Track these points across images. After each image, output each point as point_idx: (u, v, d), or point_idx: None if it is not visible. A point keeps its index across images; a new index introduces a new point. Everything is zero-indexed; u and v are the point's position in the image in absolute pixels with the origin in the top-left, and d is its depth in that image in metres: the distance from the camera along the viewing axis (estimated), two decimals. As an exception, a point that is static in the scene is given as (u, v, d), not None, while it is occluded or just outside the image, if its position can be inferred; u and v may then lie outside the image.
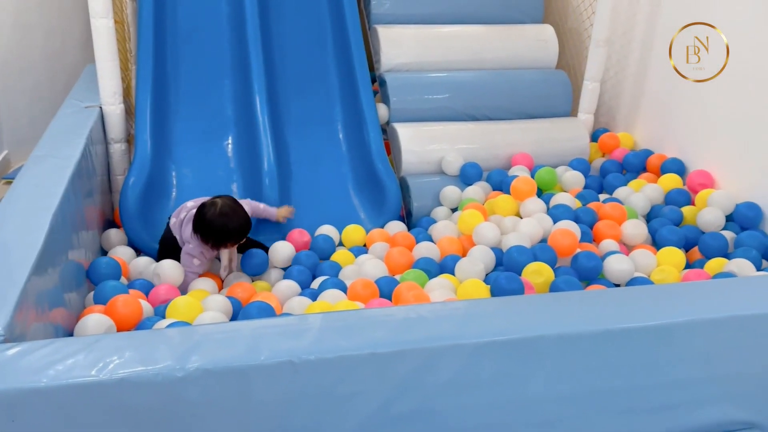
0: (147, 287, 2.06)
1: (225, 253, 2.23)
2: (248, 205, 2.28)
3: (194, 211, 2.15)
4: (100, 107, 2.59)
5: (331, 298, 1.89)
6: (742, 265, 2.07)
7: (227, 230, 2.06)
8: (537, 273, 1.99)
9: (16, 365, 1.16)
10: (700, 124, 2.74)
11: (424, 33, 3.19)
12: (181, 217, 2.21)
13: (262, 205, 2.43)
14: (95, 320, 1.64)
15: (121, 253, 2.30)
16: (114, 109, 2.59)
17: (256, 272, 2.25)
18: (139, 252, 2.40)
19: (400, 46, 3.12)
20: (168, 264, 2.08)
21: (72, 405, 1.15)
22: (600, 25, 2.99)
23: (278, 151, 2.79)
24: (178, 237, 2.21)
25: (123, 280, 2.13)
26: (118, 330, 1.69)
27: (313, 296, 1.98)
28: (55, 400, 1.14)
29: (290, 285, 2.07)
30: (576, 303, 1.42)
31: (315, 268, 2.28)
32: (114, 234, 2.41)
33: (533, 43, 3.28)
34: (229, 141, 2.87)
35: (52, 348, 1.21)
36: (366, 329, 1.27)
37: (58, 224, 1.71)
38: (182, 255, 2.17)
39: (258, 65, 2.90)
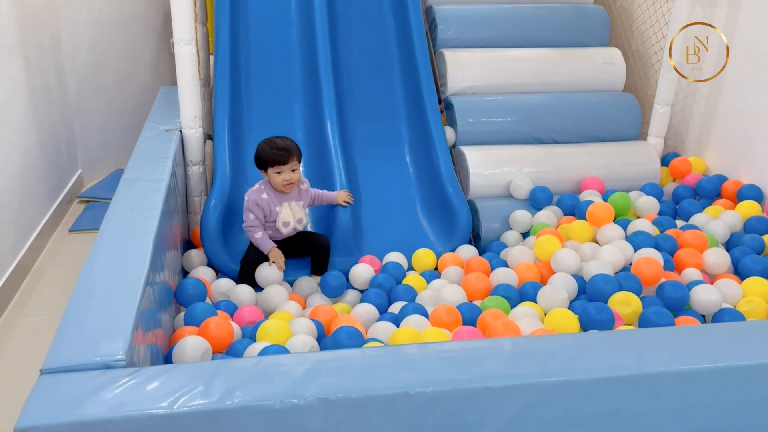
0: (231, 308, 2.10)
1: (285, 207, 2.34)
2: (309, 191, 2.45)
3: (251, 188, 2.35)
4: (180, 130, 2.66)
5: (415, 324, 1.90)
6: (838, 298, 2.01)
7: (274, 144, 2.29)
8: (626, 303, 1.96)
9: (139, 391, 1.19)
10: (780, 149, 2.68)
11: (489, 56, 3.20)
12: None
13: (320, 191, 2.54)
14: (193, 343, 1.67)
15: (203, 273, 2.34)
16: (193, 132, 2.66)
17: (335, 294, 2.28)
18: (218, 272, 2.45)
19: (466, 69, 3.14)
20: (244, 289, 2.18)
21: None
22: (673, 49, 2.95)
23: (350, 173, 2.82)
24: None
25: (207, 300, 2.17)
26: (213, 352, 1.72)
27: (395, 321, 1.98)
28: (179, 427, 1.16)
29: (369, 309, 2.09)
30: (691, 337, 1.39)
31: (390, 292, 2.28)
32: (195, 255, 2.47)
33: (600, 66, 3.27)
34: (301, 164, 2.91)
35: (172, 375, 1.24)
36: (477, 361, 1.27)
37: (157, 246, 1.76)
38: (244, 216, 2.33)
39: (328, 89, 2.95)
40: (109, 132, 3.70)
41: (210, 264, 2.46)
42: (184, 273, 2.42)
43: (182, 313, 1.99)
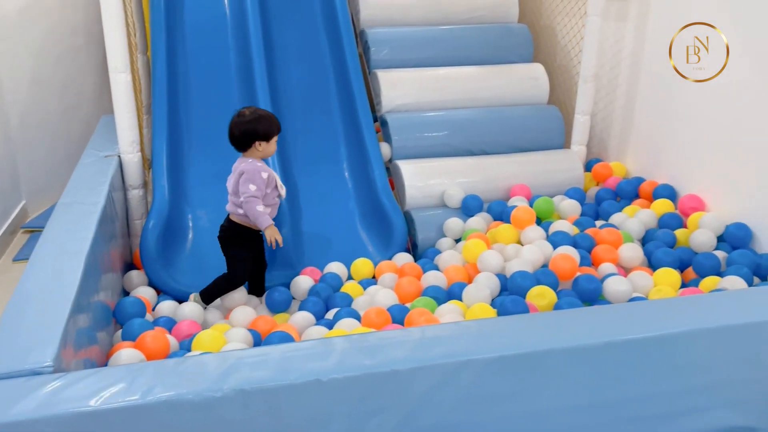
0: (170, 324, 2.17)
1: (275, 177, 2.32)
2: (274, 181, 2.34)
3: (242, 163, 2.26)
4: (119, 156, 2.73)
5: (347, 326, 2.00)
6: (734, 282, 2.19)
7: (265, 115, 2.26)
8: (541, 296, 2.10)
9: (66, 392, 1.26)
10: (689, 151, 2.89)
11: (420, 75, 3.37)
12: (235, 177, 2.28)
13: (265, 208, 2.30)
14: (127, 354, 1.74)
15: (143, 292, 2.40)
16: (132, 157, 2.74)
17: (281, 309, 2.36)
18: (159, 292, 2.51)
19: (399, 88, 3.30)
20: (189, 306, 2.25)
21: (119, 428, 1.24)
22: (587, 62, 3.18)
23: (288, 190, 2.92)
24: (235, 199, 2.27)
25: (148, 317, 2.23)
26: (149, 363, 1.79)
27: (329, 326, 2.08)
28: (104, 423, 1.23)
29: (306, 316, 2.18)
30: (579, 319, 1.53)
31: (328, 300, 2.38)
32: (136, 275, 2.52)
33: (525, 81, 3.46)
34: (241, 183, 3.00)
35: (97, 377, 1.31)
36: (386, 348, 1.38)
37: (89, 267, 1.83)
38: (243, 189, 2.23)
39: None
40: (55, 162, 3.72)
41: (151, 284, 2.52)
42: (126, 294, 2.48)
43: (120, 331, 2.05)
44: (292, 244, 2.69)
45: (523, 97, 3.45)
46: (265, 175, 2.29)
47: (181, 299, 2.47)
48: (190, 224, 2.80)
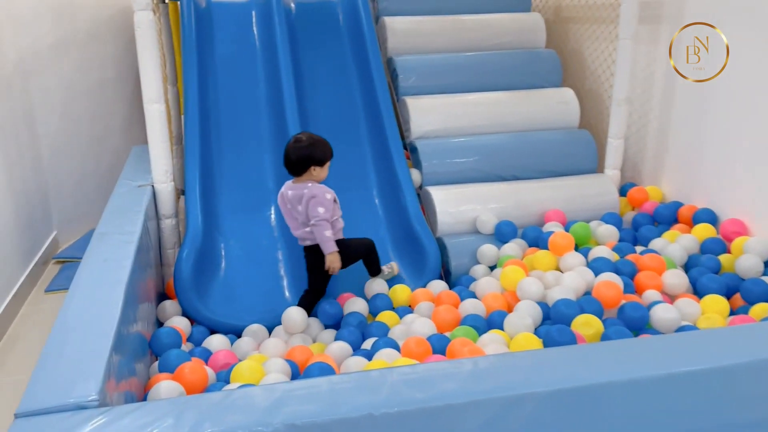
0: (206, 354, 2.13)
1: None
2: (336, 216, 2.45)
3: (305, 189, 2.31)
4: (152, 185, 2.74)
5: (387, 357, 1.95)
6: (787, 309, 2.10)
7: (320, 140, 2.35)
8: (587, 325, 2.04)
9: (112, 427, 1.23)
10: (728, 173, 2.83)
11: (449, 102, 3.36)
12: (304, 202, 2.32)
13: (332, 230, 2.38)
14: (167, 387, 1.70)
15: (178, 323, 2.38)
16: (165, 187, 2.74)
17: (333, 321, 2.39)
18: (193, 322, 2.48)
19: (427, 114, 3.29)
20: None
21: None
22: (619, 85, 3.14)
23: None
24: (301, 221, 2.34)
25: (183, 347, 2.20)
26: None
27: (368, 356, 2.03)
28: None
29: (342, 346, 2.13)
30: (634, 349, 1.46)
31: (364, 329, 2.33)
32: (169, 305, 2.50)
33: (554, 105, 3.43)
34: (272, 212, 2.99)
35: (142, 411, 1.28)
36: (437, 381, 1.33)
37: (129, 297, 1.81)
38: (313, 213, 2.30)
39: (296, 139, 3.06)
40: (84, 193, 3.76)
41: (185, 314, 2.49)
42: (160, 324, 2.45)
43: (157, 362, 2.02)
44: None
45: (553, 121, 3.42)
46: (330, 197, 2.36)
47: (214, 329, 2.44)
48: (223, 253, 2.78)
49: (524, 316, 2.13)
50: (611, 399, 1.35)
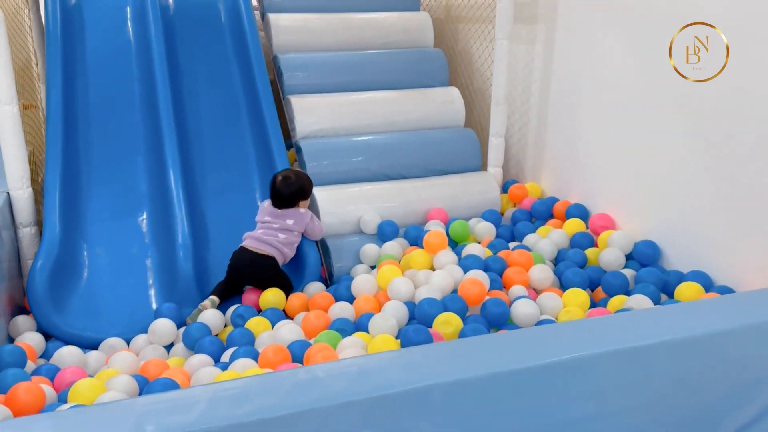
0: (54, 372, 2.00)
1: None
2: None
3: (296, 216, 2.64)
4: (8, 192, 2.56)
5: (241, 367, 1.88)
6: (640, 301, 2.19)
7: (304, 176, 2.75)
8: (446, 323, 2.05)
9: None
10: (598, 170, 2.93)
11: (335, 100, 3.31)
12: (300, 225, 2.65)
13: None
14: (-10, 412, 1.58)
15: (29, 339, 2.23)
16: (21, 193, 2.56)
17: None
18: (49, 337, 2.34)
19: (313, 113, 3.24)
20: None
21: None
22: (497, 85, 3.19)
23: (195, 223, 2.81)
24: (293, 240, 2.64)
25: (31, 365, 2.06)
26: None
27: (225, 367, 1.96)
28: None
29: (202, 359, 2.05)
30: (463, 349, 1.47)
31: (228, 338, 2.25)
32: (22, 321, 2.34)
33: (441, 104, 3.46)
34: (144, 217, 2.87)
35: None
36: (256, 396, 1.28)
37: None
38: (309, 227, 2.69)
39: (171, 140, 2.95)
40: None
41: (40, 329, 2.34)
42: (11, 341, 2.29)
43: (-7, 383, 1.88)
44: (194, 280, 2.56)
45: (439, 120, 3.44)
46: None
47: (74, 344, 2.30)
48: (86, 262, 2.63)
49: (388, 317, 2.12)
50: (434, 401, 1.34)
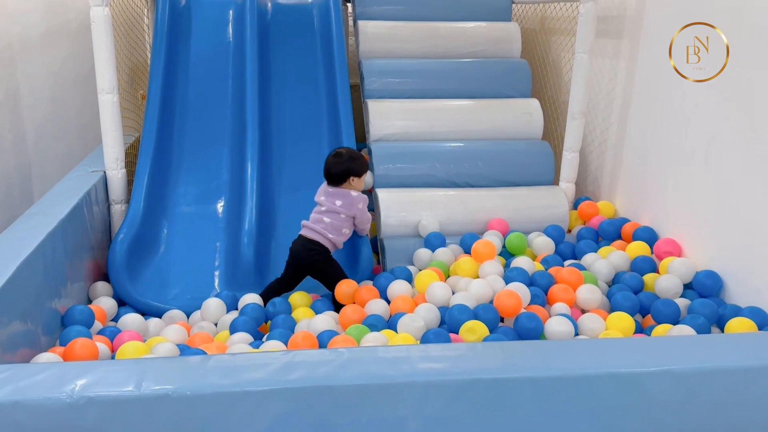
0: (115, 334, 2.25)
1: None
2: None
3: (348, 197, 2.62)
4: (104, 172, 2.88)
5: (269, 347, 2.01)
6: (683, 331, 2.08)
7: (359, 153, 2.72)
8: (471, 331, 2.06)
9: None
10: (670, 193, 2.78)
11: (411, 106, 3.39)
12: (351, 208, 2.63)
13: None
14: (45, 359, 1.82)
15: (104, 303, 2.50)
16: (116, 173, 2.89)
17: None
18: (123, 303, 2.61)
19: (387, 118, 3.34)
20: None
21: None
22: (575, 99, 3.13)
23: (264, 214, 3.00)
24: (338, 224, 2.61)
25: (98, 326, 2.32)
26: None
27: (258, 346, 2.10)
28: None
29: (242, 336, 2.21)
30: (440, 351, 1.49)
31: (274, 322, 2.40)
32: (101, 286, 2.63)
33: (519, 115, 3.42)
34: (222, 203, 3.11)
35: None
36: (247, 370, 1.39)
37: (26, 274, 1.93)
38: (359, 213, 2.64)
39: (253, 135, 3.16)
40: (69, 176, 3.95)
41: (116, 296, 2.62)
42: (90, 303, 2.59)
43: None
44: (254, 267, 2.75)
45: (515, 131, 3.41)
46: (362, 206, 2.69)
47: (143, 312, 2.56)
48: (163, 240, 2.90)
49: (417, 318, 2.17)
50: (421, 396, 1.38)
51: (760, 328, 2.05)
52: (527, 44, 3.97)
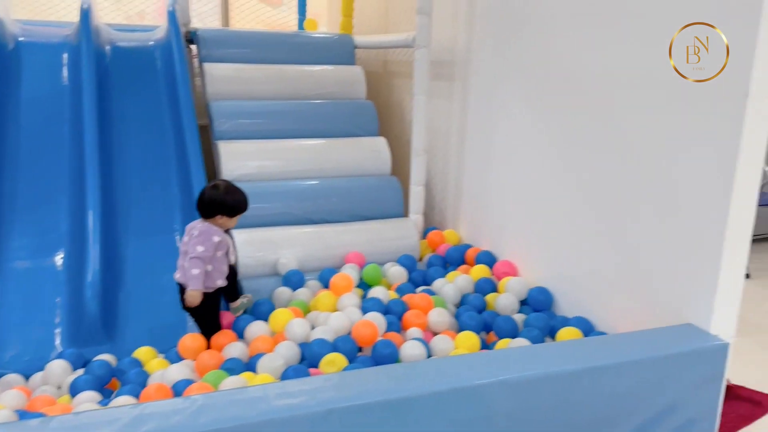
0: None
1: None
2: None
3: (198, 224, 2.39)
4: None
5: (121, 403, 1.92)
6: (520, 344, 2.28)
7: (238, 194, 2.45)
8: (330, 363, 2.12)
9: None
10: (504, 219, 3.06)
11: (262, 147, 3.44)
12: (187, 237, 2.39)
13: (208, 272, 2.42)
14: None
15: None
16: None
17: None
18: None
19: (239, 159, 3.35)
20: None
21: None
22: (417, 137, 3.36)
23: (110, 263, 2.86)
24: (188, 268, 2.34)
25: None
26: None
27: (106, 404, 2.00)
28: None
29: (90, 395, 2.09)
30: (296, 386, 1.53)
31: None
32: None
33: (368, 153, 3.60)
34: (61, 255, 2.92)
35: None
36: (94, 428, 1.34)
37: None
38: (191, 249, 2.35)
39: (93, 180, 3.01)
40: None
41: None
42: None
43: None
44: (104, 319, 2.61)
45: (366, 168, 3.57)
46: (216, 239, 2.39)
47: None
48: (-4, 299, 2.66)
49: (276, 357, 2.19)
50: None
51: (585, 335, 2.31)
52: (373, 86, 4.19)
